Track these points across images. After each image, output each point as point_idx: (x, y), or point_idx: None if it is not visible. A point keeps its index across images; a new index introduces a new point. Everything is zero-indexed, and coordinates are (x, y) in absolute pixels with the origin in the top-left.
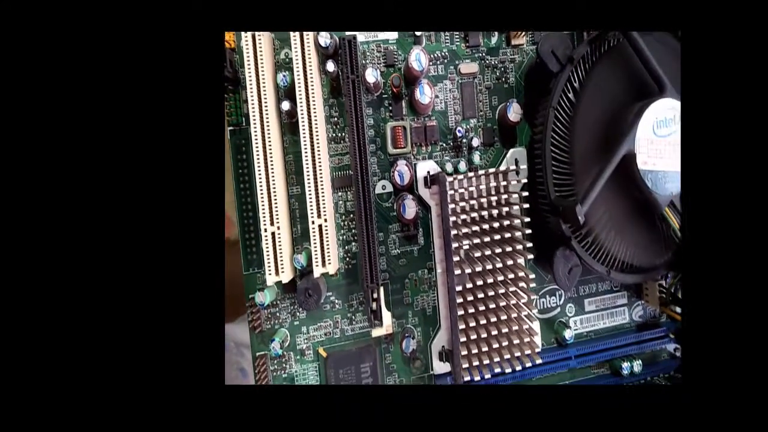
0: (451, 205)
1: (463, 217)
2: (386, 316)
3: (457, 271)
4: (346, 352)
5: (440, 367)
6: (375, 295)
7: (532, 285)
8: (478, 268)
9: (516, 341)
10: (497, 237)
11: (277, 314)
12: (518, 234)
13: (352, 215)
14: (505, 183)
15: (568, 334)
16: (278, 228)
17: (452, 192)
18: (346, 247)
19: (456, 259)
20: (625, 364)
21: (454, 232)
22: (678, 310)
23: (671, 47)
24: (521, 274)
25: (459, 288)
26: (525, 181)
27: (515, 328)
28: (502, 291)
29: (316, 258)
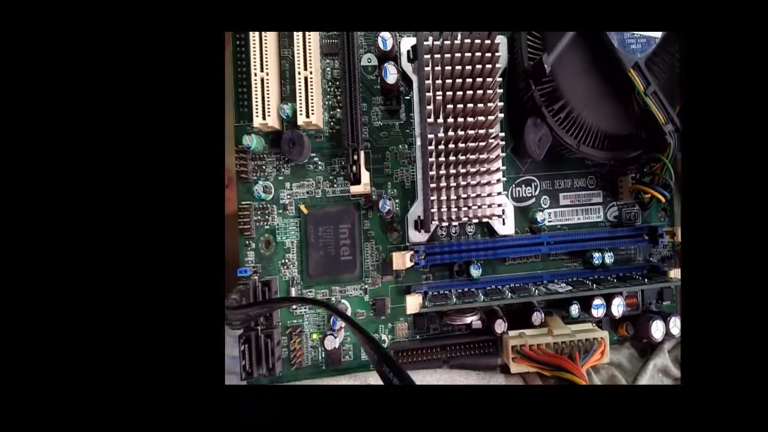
0: (426, 57)
1: (437, 68)
2: (365, 175)
3: (430, 120)
4: (326, 211)
5: (415, 236)
6: (355, 156)
7: (502, 142)
8: (451, 120)
9: (481, 194)
10: (474, 98)
11: (263, 167)
12: (492, 93)
13: (338, 82)
14: (485, 45)
15: (540, 216)
16: (267, 74)
17: (428, 44)
18: (331, 113)
19: (429, 107)
20: (596, 254)
21: (428, 81)
22: (660, 189)
23: None
24: (492, 131)
25: (431, 136)
26: (504, 66)
27: (480, 189)
28: (472, 145)
29: (301, 107)
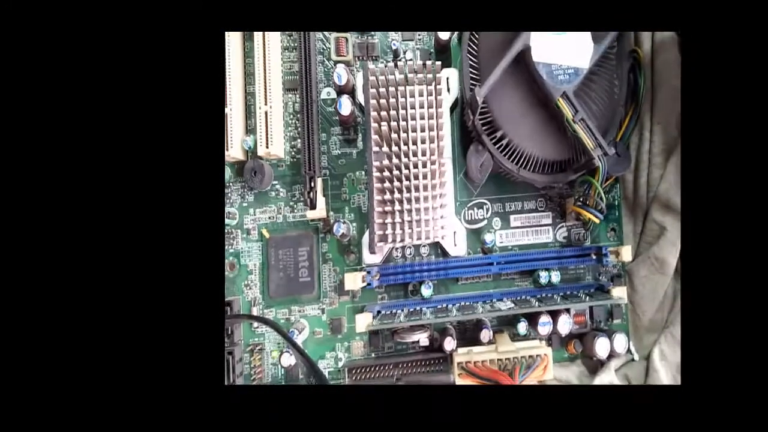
0: (373, 90)
1: (382, 101)
2: (320, 201)
3: (375, 149)
4: (286, 235)
5: (370, 258)
6: (312, 183)
7: (449, 176)
8: (395, 148)
9: (428, 218)
10: (422, 126)
11: (229, 195)
12: (434, 122)
13: (299, 115)
14: (429, 77)
15: (488, 238)
16: (230, 110)
17: (374, 78)
18: (293, 143)
19: (375, 137)
20: (543, 273)
21: (374, 113)
22: (594, 211)
23: None
24: (436, 158)
25: (377, 163)
26: (455, 97)
27: (431, 212)
28: (416, 171)
29: (261, 139)
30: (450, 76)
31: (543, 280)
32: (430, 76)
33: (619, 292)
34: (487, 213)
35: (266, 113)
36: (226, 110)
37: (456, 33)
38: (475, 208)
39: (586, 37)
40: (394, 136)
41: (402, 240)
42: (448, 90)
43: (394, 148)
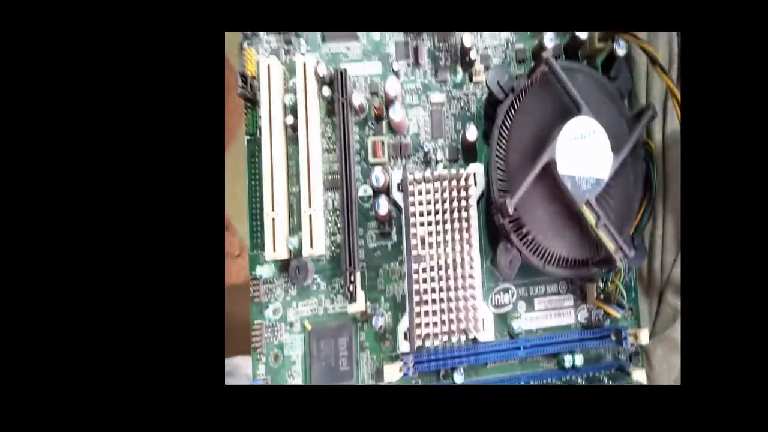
0: (412, 198)
1: (421, 208)
2: (360, 295)
3: (414, 252)
4: (327, 327)
5: (404, 345)
6: (352, 278)
7: (478, 270)
8: (432, 252)
9: (463, 315)
10: (453, 226)
11: (273, 290)
12: (470, 224)
13: (338, 212)
14: (461, 183)
15: (515, 324)
16: (277, 214)
17: (412, 188)
18: (332, 239)
19: (414, 242)
20: (567, 357)
21: (413, 219)
22: (616, 307)
23: (588, 75)
24: (470, 258)
25: (415, 266)
26: (481, 190)
27: (462, 303)
28: (452, 272)
29: (305, 241)
30: (476, 171)
31: (567, 364)
32: (462, 182)
33: (639, 375)
34: (512, 297)
35: (310, 216)
36: (273, 215)
37: (481, 131)
38: (501, 293)
39: (606, 149)
40: (429, 239)
41: (437, 336)
42: (475, 183)
43: (429, 250)
